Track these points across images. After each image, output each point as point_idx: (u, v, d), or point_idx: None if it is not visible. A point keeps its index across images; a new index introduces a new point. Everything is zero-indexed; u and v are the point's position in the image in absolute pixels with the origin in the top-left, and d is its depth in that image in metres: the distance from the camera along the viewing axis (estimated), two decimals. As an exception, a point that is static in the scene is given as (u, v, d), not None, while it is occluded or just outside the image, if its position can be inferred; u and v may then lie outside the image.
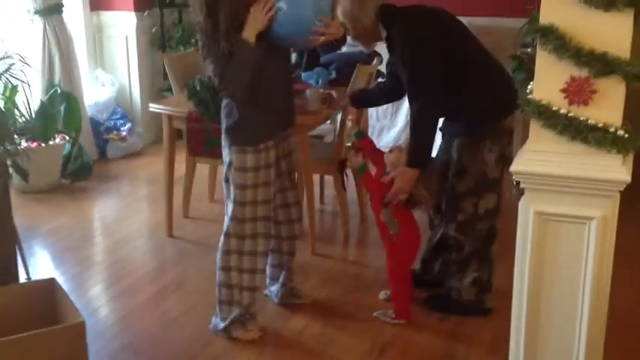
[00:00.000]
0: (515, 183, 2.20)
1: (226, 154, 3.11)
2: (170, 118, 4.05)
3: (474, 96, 3.18)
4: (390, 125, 5.46)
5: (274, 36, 2.86)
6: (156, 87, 6.16)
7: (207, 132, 3.88)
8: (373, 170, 3.31)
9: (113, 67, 6.01)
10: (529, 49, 4.75)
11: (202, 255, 4.00)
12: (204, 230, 4.36)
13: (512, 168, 2.14)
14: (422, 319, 3.34)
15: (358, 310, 3.43)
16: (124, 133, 5.80)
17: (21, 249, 3.52)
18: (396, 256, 3.26)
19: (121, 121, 5.87)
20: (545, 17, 2.04)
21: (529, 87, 2.18)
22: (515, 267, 2.24)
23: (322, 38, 2.92)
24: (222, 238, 3.15)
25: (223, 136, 3.13)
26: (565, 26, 2.01)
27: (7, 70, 3.04)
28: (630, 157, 2.09)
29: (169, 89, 5.90)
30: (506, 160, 3.14)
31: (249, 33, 2.83)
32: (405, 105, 5.33)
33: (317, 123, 4.04)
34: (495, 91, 3.23)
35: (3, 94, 2.97)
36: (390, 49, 3.23)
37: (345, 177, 4.08)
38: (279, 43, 2.93)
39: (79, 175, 5.19)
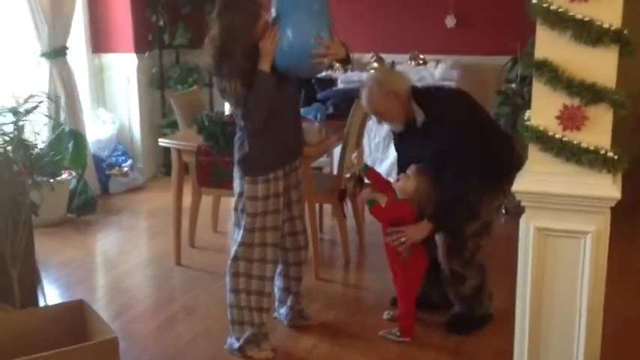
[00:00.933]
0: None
1: (237, 184, 3.33)
2: (179, 151, 4.26)
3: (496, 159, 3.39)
4: (382, 158, 5.70)
5: (281, 68, 3.09)
6: (155, 124, 6.37)
7: (215, 164, 4.09)
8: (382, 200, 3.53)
9: (114, 106, 6.23)
10: (513, 85, 5.05)
11: (211, 282, 4.17)
12: (210, 259, 4.54)
13: (514, 188, 2.37)
14: (425, 337, 3.53)
15: (364, 331, 3.62)
16: (125, 169, 5.99)
17: (40, 280, 3.69)
18: (406, 278, 3.46)
19: (122, 158, 6.06)
20: (540, 53, 2.29)
21: (526, 115, 2.42)
22: (517, 280, 2.46)
23: (326, 60, 3.13)
24: (229, 262, 3.34)
25: (235, 168, 3.34)
26: (558, 60, 2.26)
27: (35, 108, 3.23)
28: (619, 177, 2.33)
29: (168, 126, 6.15)
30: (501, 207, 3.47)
31: (265, 64, 3.06)
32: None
33: (319, 155, 4.27)
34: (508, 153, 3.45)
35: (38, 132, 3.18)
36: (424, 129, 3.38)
37: (344, 205, 4.31)
38: (287, 75, 3.15)
39: (85, 209, 5.36)
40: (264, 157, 3.25)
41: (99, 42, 6.10)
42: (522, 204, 2.39)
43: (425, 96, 3.42)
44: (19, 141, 3.15)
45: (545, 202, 2.34)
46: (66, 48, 5.51)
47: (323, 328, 3.66)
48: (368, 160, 5.78)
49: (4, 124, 3.11)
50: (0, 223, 3.14)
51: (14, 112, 3.17)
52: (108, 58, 6.15)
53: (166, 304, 3.97)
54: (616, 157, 2.27)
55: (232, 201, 3.39)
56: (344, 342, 3.52)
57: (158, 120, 6.40)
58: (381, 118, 3.50)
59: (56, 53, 5.43)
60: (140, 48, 6.15)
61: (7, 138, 3.10)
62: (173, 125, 6.24)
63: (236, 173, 3.34)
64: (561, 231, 2.36)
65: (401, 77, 3.54)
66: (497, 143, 3.45)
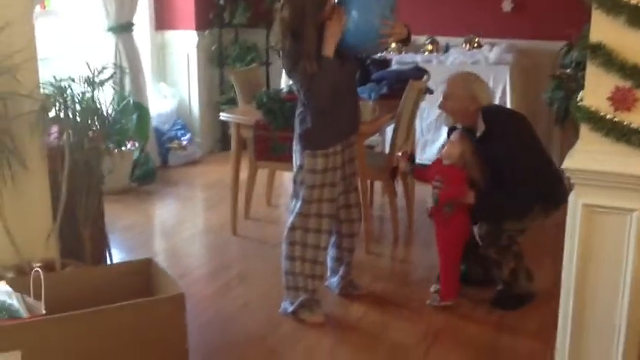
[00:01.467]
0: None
1: (297, 157, 3.49)
2: (238, 126, 4.45)
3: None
4: (433, 139, 5.81)
5: (348, 46, 3.23)
6: (213, 100, 6.59)
7: (273, 139, 4.26)
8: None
9: (174, 82, 6.46)
10: (568, 70, 5.10)
11: (266, 252, 4.37)
12: (265, 230, 4.75)
13: (564, 165, 2.48)
14: (470, 311, 3.66)
15: (410, 302, 3.77)
16: (184, 143, 6.22)
17: (108, 242, 3.92)
18: (447, 238, 3.60)
19: (182, 132, 6.29)
20: (595, 36, 2.39)
21: (579, 96, 2.53)
22: (564, 256, 2.57)
23: (391, 39, 3.30)
24: (286, 231, 3.52)
25: (295, 141, 3.51)
26: (612, 44, 2.35)
27: (110, 78, 3.44)
28: (667, 158, 2.42)
29: (226, 102, 6.35)
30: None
31: (330, 48, 3.21)
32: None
33: (372, 132, 4.41)
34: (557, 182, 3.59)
35: (111, 101, 3.38)
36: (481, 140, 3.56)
37: (395, 183, 4.45)
38: (352, 52, 3.30)
39: (146, 179, 5.60)
40: (324, 133, 3.41)
41: (162, 19, 6.32)
42: (572, 181, 2.50)
43: (493, 113, 3.59)
44: (94, 109, 3.35)
45: (594, 179, 2.44)
46: (132, 24, 5.74)
47: (372, 298, 3.82)
48: (420, 141, 5.89)
49: (83, 92, 3.30)
50: (76, 187, 3.36)
51: (89, 82, 3.37)
52: (170, 35, 6.38)
53: (223, 271, 4.17)
54: (664, 138, 2.36)
55: (286, 175, 3.56)
56: (392, 311, 3.68)
57: (216, 96, 6.62)
58: (445, 104, 3.65)
59: (122, 28, 5.67)
60: (201, 26, 6.36)
61: (84, 105, 3.31)
62: (231, 102, 6.45)
63: (296, 147, 3.50)
64: (608, 208, 2.46)
65: (488, 92, 3.70)
66: (549, 169, 3.61)
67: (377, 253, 4.40)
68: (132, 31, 5.76)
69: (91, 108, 3.37)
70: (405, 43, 3.54)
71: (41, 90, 3.29)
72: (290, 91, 4.20)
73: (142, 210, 5.18)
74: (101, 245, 3.81)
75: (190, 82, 6.42)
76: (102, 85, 3.44)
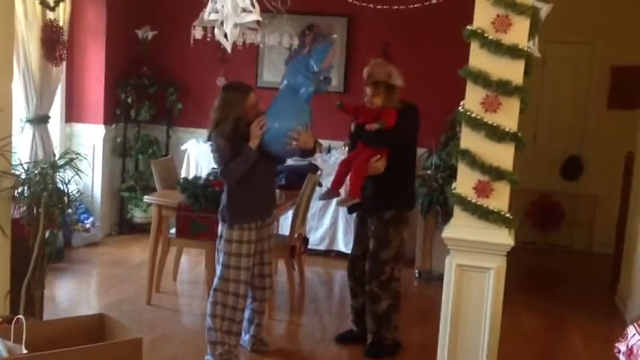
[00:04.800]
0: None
1: (219, 228, 4.25)
2: (160, 207, 5.14)
3: (409, 182, 4.61)
4: (317, 226, 6.72)
5: (266, 149, 4.11)
6: (114, 187, 7.19)
7: (193, 219, 4.99)
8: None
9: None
10: (429, 172, 6.22)
11: (179, 318, 5.02)
12: (175, 301, 5.39)
13: (443, 234, 3.44)
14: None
15: (312, 356, 4.56)
16: (87, 225, 6.74)
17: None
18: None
19: (85, 215, 6.81)
20: (464, 144, 3.41)
21: (453, 186, 3.51)
22: (442, 301, 3.49)
23: (294, 144, 4.10)
24: (211, 292, 4.24)
25: (218, 215, 4.27)
26: (475, 150, 3.38)
27: (69, 163, 4.09)
28: (512, 231, 3.44)
29: (127, 190, 7.00)
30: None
31: (254, 142, 4.07)
32: (330, 209, 6.65)
33: (279, 215, 5.27)
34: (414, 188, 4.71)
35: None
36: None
37: (293, 261, 5.28)
38: (268, 154, 4.17)
39: (55, 257, 6.04)
40: (240, 210, 4.19)
41: (71, 113, 6.94)
42: (448, 247, 3.46)
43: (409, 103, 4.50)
44: (58, 190, 4.02)
45: (464, 246, 3.42)
46: (48, 117, 6.32)
47: (279, 353, 4.56)
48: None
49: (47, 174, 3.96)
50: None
51: (53, 166, 4.05)
52: (79, 127, 6.98)
53: (147, 332, 4.74)
54: (511, 217, 3.39)
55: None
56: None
57: (117, 184, 7.23)
58: (368, 81, 4.42)
59: (40, 120, 6.23)
60: (108, 120, 7.03)
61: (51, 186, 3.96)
62: (131, 189, 7.11)
63: (219, 219, 4.26)
64: (474, 267, 3.43)
65: (399, 75, 4.42)
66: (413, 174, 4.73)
67: (278, 319, 5.15)
68: (48, 123, 6.33)
69: (56, 189, 4.02)
70: (309, 153, 4.41)
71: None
72: (210, 178, 5.00)
73: (58, 284, 5.64)
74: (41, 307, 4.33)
75: (95, 170, 6.98)
76: (62, 169, 4.10)
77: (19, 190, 4.01)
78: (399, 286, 4.60)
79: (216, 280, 4.24)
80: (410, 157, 4.61)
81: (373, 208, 4.52)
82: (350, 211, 4.72)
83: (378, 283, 4.48)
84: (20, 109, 6.21)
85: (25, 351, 3.28)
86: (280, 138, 4.09)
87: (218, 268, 4.24)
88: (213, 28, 4.13)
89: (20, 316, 3.43)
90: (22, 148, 6.22)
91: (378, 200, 4.50)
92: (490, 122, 3.34)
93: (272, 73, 7.14)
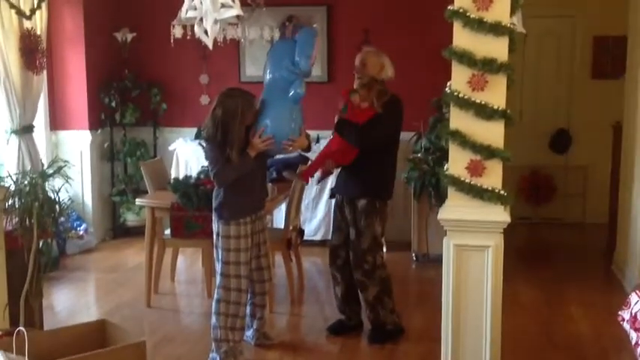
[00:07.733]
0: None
1: (215, 226, 4.23)
2: (153, 209, 5.12)
3: (385, 173, 4.56)
4: (311, 217, 6.72)
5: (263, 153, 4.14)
6: (105, 193, 7.16)
7: (187, 218, 4.97)
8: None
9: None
10: (419, 155, 6.22)
11: (181, 319, 5.00)
12: (174, 301, 5.37)
13: (439, 216, 3.44)
14: (365, 348, 4.51)
15: (317, 346, 4.58)
16: (81, 232, 6.71)
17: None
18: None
19: (77, 222, 6.78)
20: (453, 125, 3.39)
21: (445, 167, 3.51)
22: (442, 283, 3.49)
23: (291, 149, 4.24)
24: (215, 289, 4.23)
25: (213, 213, 4.25)
26: (465, 130, 3.37)
27: (58, 171, 4.06)
28: (508, 208, 3.44)
29: (117, 194, 6.96)
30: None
31: (252, 153, 4.08)
32: (323, 199, 6.65)
33: (272, 208, 5.26)
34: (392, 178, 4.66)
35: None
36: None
37: (290, 252, 5.27)
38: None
39: (50, 266, 6.01)
40: (234, 207, 4.18)
41: (56, 121, 6.89)
42: (445, 228, 3.45)
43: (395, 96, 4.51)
44: (50, 199, 3.98)
45: (460, 226, 3.41)
46: (33, 126, 6.28)
47: (283, 346, 4.57)
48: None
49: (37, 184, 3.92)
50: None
51: (42, 175, 4.01)
52: (64, 135, 6.93)
53: (149, 335, 4.73)
54: (506, 194, 3.38)
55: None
56: (303, 355, 4.44)
57: (107, 189, 7.19)
58: (362, 70, 4.45)
59: (25, 130, 6.18)
60: (93, 125, 6.99)
61: (42, 196, 3.92)
62: (122, 193, 7.07)
63: (214, 217, 4.24)
64: (471, 246, 3.42)
65: (392, 67, 4.50)
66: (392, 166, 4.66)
67: (279, 312, 5.15)
68: (32, 132, 6.29)
69: (47, 198, 3.98)
70: (305, 151, 4.53)
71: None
72: (201, 176, 4.98)
73: (55, 293, 5.62)
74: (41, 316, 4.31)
75: (84, 177, 6.94)
76: (51, 177, 4.07)
77: (10, 201, 3.98)
78: (386, 272, 4.59)
79: (217, 278, 4.23)
80: (390, 148, 4.57)
81: (347, 194, 4.57)
82: (330, 196, 4.78)
83: (363, 272, 4.50)
84: (4, 121, 6.18)
85: (28, 362, 3.28)
86: (277, 144, 4.15)
87: (218, 266, 4.23)
88: (193, 26, 4.09)
89: (21, 327, 3.42)
90: (9, 159, 6.20)
91: (350, 186, 4.56)
92: (478, 101, 3.32)
93: (254, 67, 7.11)
